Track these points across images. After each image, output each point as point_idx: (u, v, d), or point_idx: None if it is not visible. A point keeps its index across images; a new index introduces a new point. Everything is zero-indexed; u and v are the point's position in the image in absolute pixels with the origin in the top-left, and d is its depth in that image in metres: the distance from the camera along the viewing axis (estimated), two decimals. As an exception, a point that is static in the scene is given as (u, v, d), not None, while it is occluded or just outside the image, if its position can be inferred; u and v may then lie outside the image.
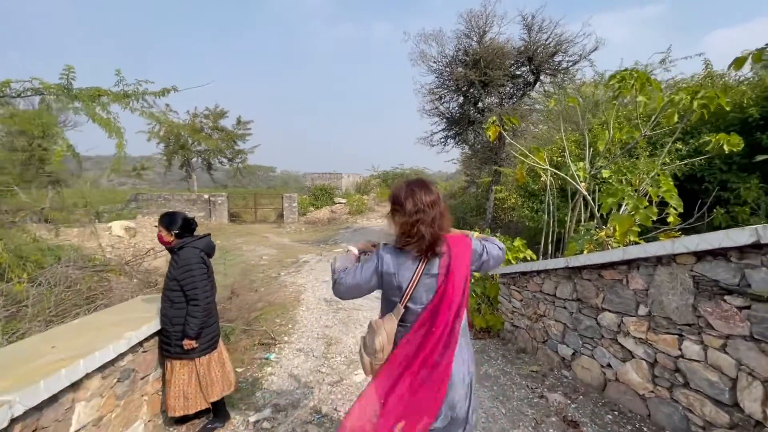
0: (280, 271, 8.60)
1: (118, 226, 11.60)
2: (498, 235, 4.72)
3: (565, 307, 3.11)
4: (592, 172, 4.05)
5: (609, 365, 2.65)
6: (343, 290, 1.44)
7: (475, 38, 7.92)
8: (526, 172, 4.71)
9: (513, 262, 4.17)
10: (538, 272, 3.46)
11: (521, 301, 3.78)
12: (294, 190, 23.93)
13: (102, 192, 25.29)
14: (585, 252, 3.20)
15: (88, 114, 4.30)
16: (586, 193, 3.80)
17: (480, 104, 8.69)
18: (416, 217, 1.36)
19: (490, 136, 3.74)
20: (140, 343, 2.27)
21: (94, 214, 17.00)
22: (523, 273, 3.67)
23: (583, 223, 4.33)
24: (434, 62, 8.47)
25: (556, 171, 4.10)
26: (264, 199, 20.29)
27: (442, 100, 8.90)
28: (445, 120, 9.70)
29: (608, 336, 2.65)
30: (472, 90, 8.05)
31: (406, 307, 1.41)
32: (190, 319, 2.25)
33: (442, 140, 10.01)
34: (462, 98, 8.71)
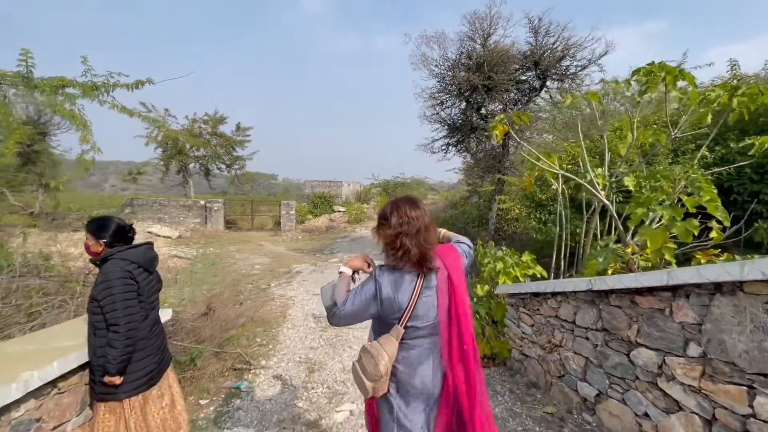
0: (270, 281, 8.10)
1: (105, 232, 11.14)
2: (503, 248, 4.23)
3: (587, 338, 2.61)
4: (612, 180, 3.58)
5: (646, 415, 2.14)
6: (342, 323, 1.42)
7: (479, 41, 7.55)
8: (534, 180, 4.24)
9: (521, 279, 3.68)
10: (553, 294, 2.96)
11: (532, 326, 3.27)
12: (295, 198, 23.51)
13: (99, 196, 25.00)
14: (610, 272, 2.70)
15: (49, 105, 3.89)
16: (607, 201, 3.33)
17: (483, 110, 8.27)
18: (399, 229, 1.37)
19: (496, 137, 3.28)
20: (54, 382, 1.78)
21: (86, 218, 16.61)
22: (535, 294, 3.17)
23: (601, 237, 3.85)
24: (436, 66, 8.10)
25: (573, 177, 3.62)
26: (262, 206, 19.87)
27: (444, 106, 8.50)
28: (446, 127, 9.28)
29: (645, 378, 2.15)
30: (475, 95, 7.64)
31: (406, 327, 1.38)
32: (108, 350, 1.76)
33: (443, 147, 9.58)
34: (464, 103, 8.30)
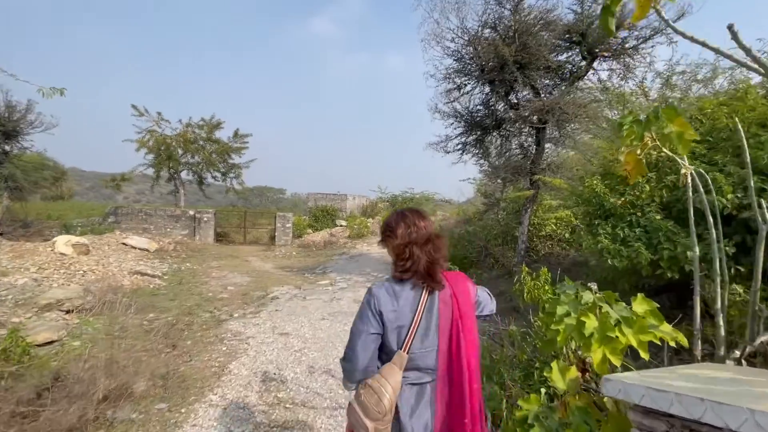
0: (235, 310, 6.32)
1: (62, 242, 9.56)
2: (591, 288, 2.39)
3: None
4: None
5: None
6: (356, 365, 1.25)
7: (508, 5, 5.88)
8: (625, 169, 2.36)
9: (644, 353, 1.80)
10: None
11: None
12: (302, 213, 21.96)
13: (79, 204, 23.79)
14: None
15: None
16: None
17: (511, 96, 6.53)
18: (408, 239, 1.31)
19: (612, 30, 1.50)
20: None
21: (61, 227, 15.13)
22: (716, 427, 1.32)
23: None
24: (452, 40, 6.45)
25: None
26: (261, 219, 18.31)
27: (462, 91, 6.78)
28: (463, 122, 7.55)
29: None
30: (503, 73, 5.92)
31: (409, 353, 1.23)
32: None
33: (459, 147, 7.83)
34: (488, 87, 6.58)
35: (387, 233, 1.37)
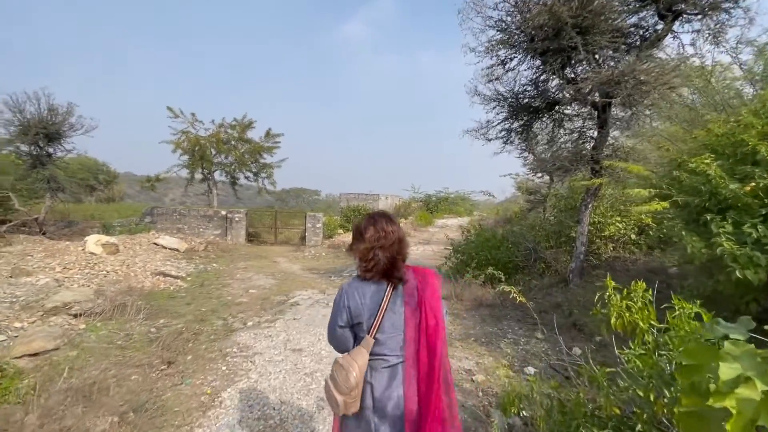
0: (250, 318, 5.73)
1: (93, 242, 9.55)
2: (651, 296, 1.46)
3: None
4: None
5: None
6: (332, 340, 1.50)
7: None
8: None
9: None
10: None
11: None
12: (335, 213, 21.60)
13: (125, 206, 24.80)
14: None
15: None
16: None
17: (568, 69, 5.46)
18: (375, 243, 1.43)
19: None
20: None
21: (101, 227, 15.54)
22: None
23: None
24: (495, 7, 5.49)
25: None
26: (290, 218, 18.04)
27: (506, 67, 5.78)
28: (507, 106, 6.53)
29: None
30: (559, 40, 4.88)
31: (375, 339, 1.40)
32: None
33: (502, 134, 6.81)
34: (538, 60, 5.55)
35: (356, 236, 1.49)
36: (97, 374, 3.59)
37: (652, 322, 2.03)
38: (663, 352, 1.92)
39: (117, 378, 3.45)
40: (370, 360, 1.39)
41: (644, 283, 2.21)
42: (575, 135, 6.11)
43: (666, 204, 2.63)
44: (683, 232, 2.79)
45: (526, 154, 11.14)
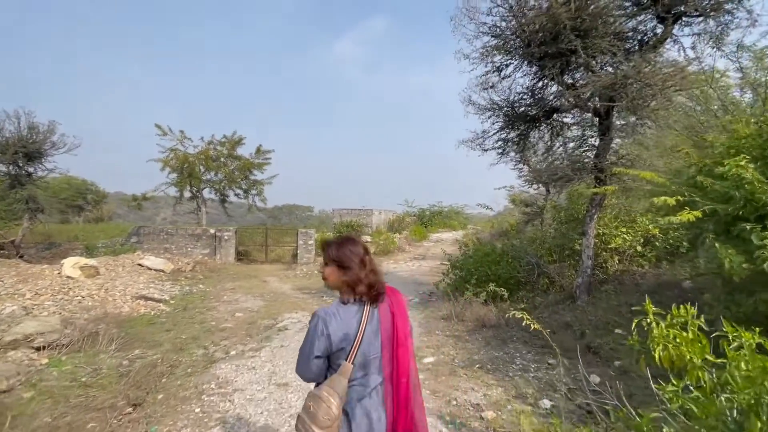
0: (234, 345, 5.27)
1: (70, 265, 9.01)
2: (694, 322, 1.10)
3: None
4: None
5: None
6: (303, 371, 1.41)
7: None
8: None
9: None
10: None
11: None
12: (328, 229, 21.17)
13: (113, 225, 24.09)
14: None
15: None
16: None
17: (567, 75, 5.24)
18: (373, 267, 1.46)
19: None
20: None
21: (84, 248, 14.91)
22: None
23: None
24: (489, 13, 5.29)
25: None
26: (282, 236, 17.57)
27: (502, 74, 5.55)
28: (502, 115, 6.30)
29: None
30: (557, 44, 4.66)
31: (353, 364, 1.36)
32: None
33: (498, 145, 6.55)
34: (535, 67, 5.33)
35: (350, 263, 1.43)
36: (49, 422, 3.11)
37: (708, 357, 1.67)
38: (726, 394, 1.56)
39: (71, 426, 2.98)
40: (348, 387, 1.34)
41: (691, 307, 1.84)
42: (576, 143, 5.86)
43: (698, 213, 2.31)
44: (716, 244, 2.46)
45: (521, 165, 10.96)
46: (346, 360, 1.34)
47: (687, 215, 2.29)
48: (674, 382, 1.88)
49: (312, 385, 1.44)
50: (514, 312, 2.50)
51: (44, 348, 4.79)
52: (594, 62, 5.08)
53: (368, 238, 18.27)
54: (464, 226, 29.10)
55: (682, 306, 1.91)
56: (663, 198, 2.42)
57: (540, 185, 11.20)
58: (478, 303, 5.71)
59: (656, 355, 1.78)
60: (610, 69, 5.20)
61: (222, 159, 17.88)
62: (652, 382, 2.19)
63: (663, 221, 2.19)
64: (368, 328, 1.38)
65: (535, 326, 2.30)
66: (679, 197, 2.43)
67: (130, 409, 3.29)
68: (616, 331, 4.18)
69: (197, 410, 3.18)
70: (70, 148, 13.05)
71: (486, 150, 6.19)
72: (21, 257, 12.34)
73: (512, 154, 6.96)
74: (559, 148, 6.09)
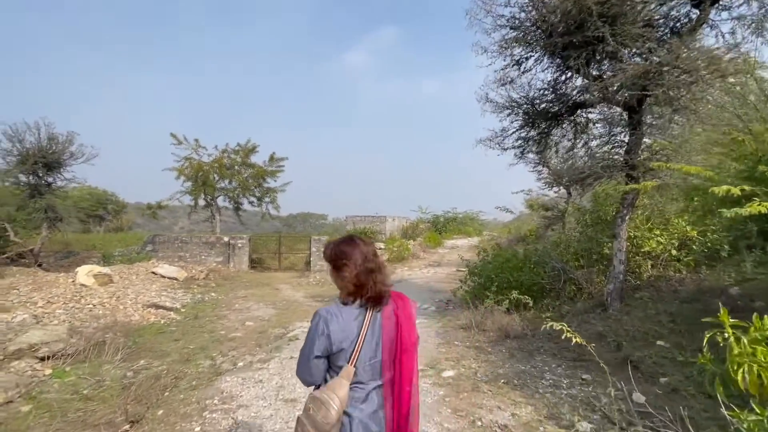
0: (243, 356, 5.03)
1: (84, 273, 8.99)
2: None
3: None
4: None
5: None
6: (303, 373, 1.38)
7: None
8: None
9: None
10: None
11: None
12: (341, 236, 21.07)
13: (119, 236, 24.43)
14: None
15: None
16: None
17: (592, 66, 4.90)
18: (367, 265, 1.38)
19: None
20: None
21: (100, 257, 15.06)
22: None
23: None
24: (507, 4, 5.01)
25: None
26: (296, 243, 17.46)
27: (522, 67, 5.25)
28: (521, 113, 5.97)
29: None
30: (583, 31, 4.34)
31: (356, 366, 1.33)
32: None
33: (518, 144, 6.21)
34: (558, 59, 5.01)
35: (342, 260, 1.40)
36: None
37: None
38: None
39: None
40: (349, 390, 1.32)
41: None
42: (603, 140, 5.47)
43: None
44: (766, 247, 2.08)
45: (540, 167, 10.54)
46: (347, 362, 1.32)
47: (757, 207, 1.94)
48: (757, 410, 1.54)
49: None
50: (551, 324, 2.16)
51: (49, 358, 4.65)
52: (624, 51, 4.73)
53: (382, 245, 17.99)
54: (479, 232, 28.54)
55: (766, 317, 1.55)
56: (726, 187, 2.07)
57: (561, 187, 10.76)
58: (500, 311, 5.33)
59: (740, 378, 1.44)
60: (638, 59, 4.85)
61: (236, 167, 17.96)
62: (723, 408, 1.84)
63: (728, 213, 1.86)
64: (369, 331, 1.35)
65: (578, 340, 1.97)
66: (744, 187, 2.08)
67: (127, 426, 3.06)
68: (659, 342, 3.77)
69: (197, 429, 2.93)
70: (88, 158, 13.25)
71: (506, 149, 5.84)
72: (39, 265, 12.51)
73: (531, 155, 6.61)
74: (582, 147, 5.71)
